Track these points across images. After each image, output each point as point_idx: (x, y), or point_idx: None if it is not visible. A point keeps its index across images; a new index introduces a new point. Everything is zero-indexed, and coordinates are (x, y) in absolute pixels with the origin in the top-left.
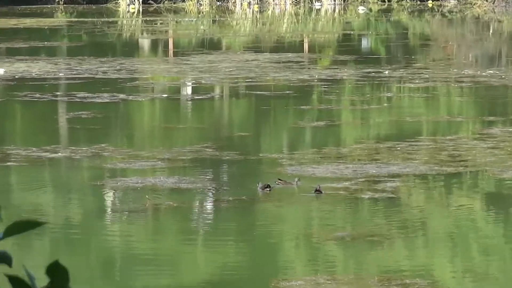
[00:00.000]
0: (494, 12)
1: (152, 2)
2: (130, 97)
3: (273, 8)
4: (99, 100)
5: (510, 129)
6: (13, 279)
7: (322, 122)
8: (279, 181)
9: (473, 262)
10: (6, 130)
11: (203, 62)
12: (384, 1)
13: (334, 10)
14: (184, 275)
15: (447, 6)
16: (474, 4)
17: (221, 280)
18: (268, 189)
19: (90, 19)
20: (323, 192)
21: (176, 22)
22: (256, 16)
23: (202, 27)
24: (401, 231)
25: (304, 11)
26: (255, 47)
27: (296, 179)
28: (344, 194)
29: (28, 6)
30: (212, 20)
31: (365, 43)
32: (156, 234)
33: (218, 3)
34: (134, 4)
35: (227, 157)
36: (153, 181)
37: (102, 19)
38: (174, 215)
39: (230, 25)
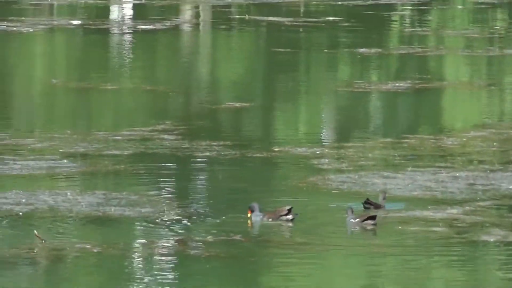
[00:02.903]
0: None
1: None
2: (14, 28)
3: None
4: None
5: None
6: None
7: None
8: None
9: None
10: None
11: None
12: None
13: None
14: None
15: None
16: None
17: None
18: (288, 216)
19: None
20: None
21: None
22: None
23: None
24: None
25: None
26: None
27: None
28: None
29: None
30: None
31: None
32: None
33: None
34: None
35: (207, 153)
36: (51, 201)
37: None
38: (91, 271)
39: None
